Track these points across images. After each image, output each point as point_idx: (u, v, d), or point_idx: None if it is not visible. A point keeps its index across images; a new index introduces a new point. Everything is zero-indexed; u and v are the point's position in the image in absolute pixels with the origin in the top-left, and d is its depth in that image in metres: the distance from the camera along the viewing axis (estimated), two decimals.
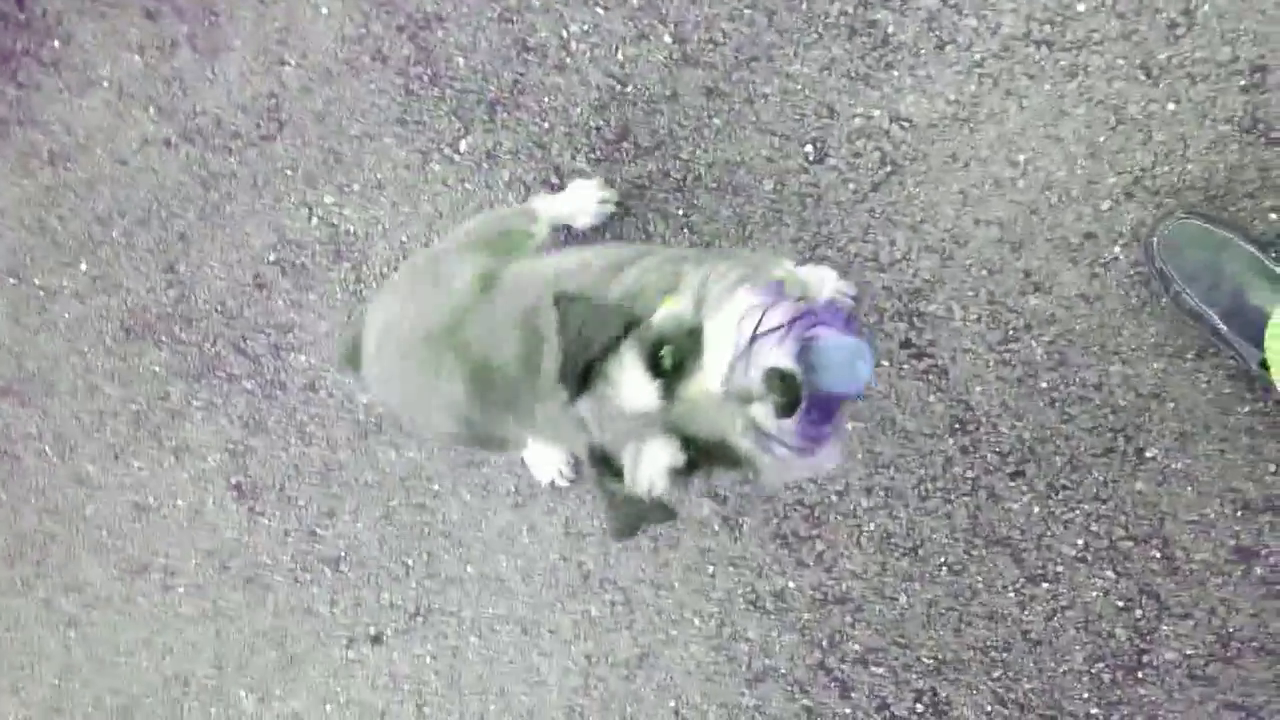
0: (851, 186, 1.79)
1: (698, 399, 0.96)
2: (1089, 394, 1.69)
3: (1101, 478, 1.69)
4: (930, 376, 1.76)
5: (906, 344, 1.77)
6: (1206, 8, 1.60)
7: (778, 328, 0.95)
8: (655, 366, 1.00)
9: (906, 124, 1.75)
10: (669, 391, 0.98)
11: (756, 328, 0.95)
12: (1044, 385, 1.71)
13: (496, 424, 1.40)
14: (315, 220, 2.18)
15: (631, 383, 1.00)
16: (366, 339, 1.55)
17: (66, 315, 2.48)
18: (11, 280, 2.53)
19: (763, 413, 0.93)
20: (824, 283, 1.76)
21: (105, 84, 2.35)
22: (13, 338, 2.56)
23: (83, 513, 2.54)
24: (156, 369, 2.39)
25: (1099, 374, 1.68)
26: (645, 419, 0.98)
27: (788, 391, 0.92)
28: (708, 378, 0.96)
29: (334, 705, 2.24)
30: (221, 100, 2.23)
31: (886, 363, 1.78)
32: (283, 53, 2.16)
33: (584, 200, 1.85)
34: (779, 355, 0.93)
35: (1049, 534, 1.72)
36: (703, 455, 1.00)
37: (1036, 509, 1.73)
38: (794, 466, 0.99)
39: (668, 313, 1.04)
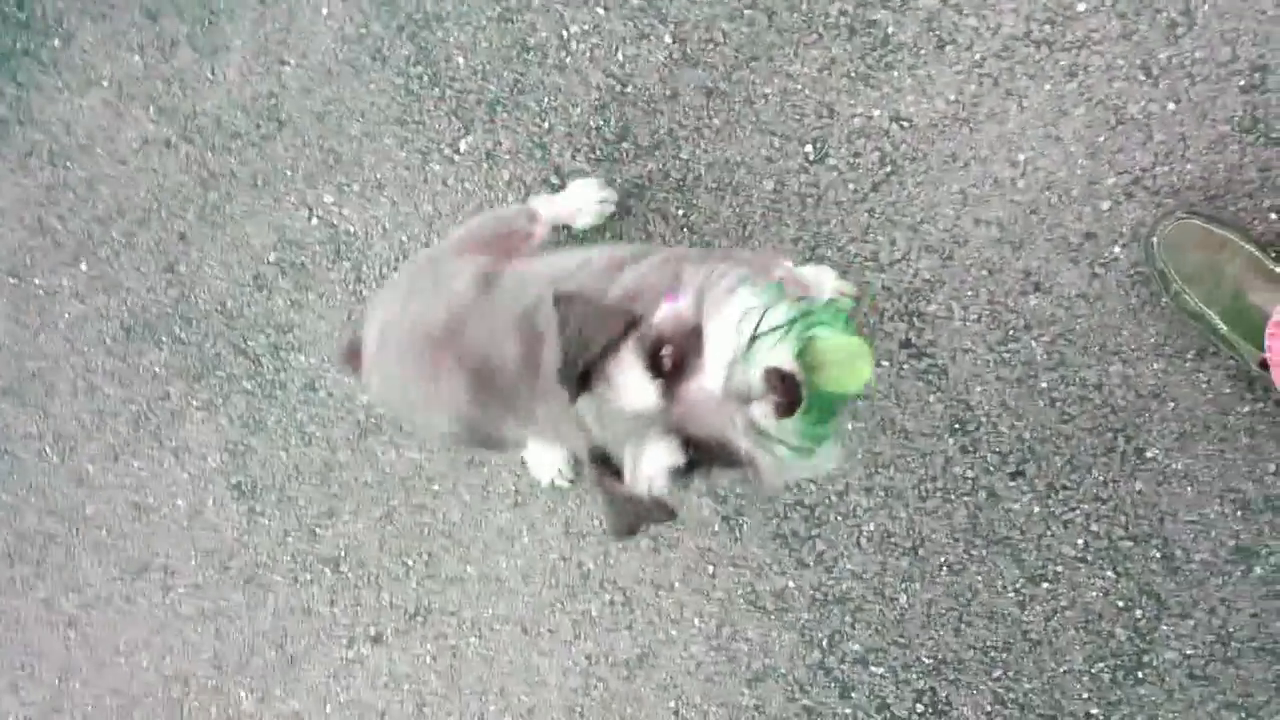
0: (851, 186, 1.79)
1: (697, 399, 0.96)
2: (1089, 394, 1.69)
3: (1101, 478, 1.69)
4: (930, 376, 1.76)
5: (906, 344, 1.77)
6: (1206, 7, 1.60)
7: (778, 328, 0.94)
8: (655, 366, 0.99)
9: (906, 124, 1.75)
10: (669, 391, 0.98)
11: (756, 328, 0.95)
12: (1044, 385, 1.71)
13: (497, 424, 1.41)
14: (315, 220, 2.18)
15: (632, 383, 0.99)
16: (366, 339, 1.55)
17: (67, 315, 2.48)
18: (12, 280, 2.53)
19: (762, 412, 0.92)
20: (823, 283, 1.77)
21: (105, 83, 2.35)
22: (13, 338, 2.56)
23: (83, 512, 2.54)
24: (156, 369, 2.39)
25: (1099, 374, 1.68)
26: (645, 419, 0.98)
27: (787, 392, 0.91)
28: (708, 378, 0.96)
29: (334, 705, 2.24)
30: (221, 100, 2.23)
31: (886, 363, 1.78)
32: (282, 52, 2.15)
33: (584, 200, 1.85)
34: (779, 355, 0.93)
35: (1049, 534, 1.72)
36: (703, 455, 0.99)
37: (1036, 509, 1.72)
38: (794, 467, 0.98)
39: (668, 312, 1.04)
